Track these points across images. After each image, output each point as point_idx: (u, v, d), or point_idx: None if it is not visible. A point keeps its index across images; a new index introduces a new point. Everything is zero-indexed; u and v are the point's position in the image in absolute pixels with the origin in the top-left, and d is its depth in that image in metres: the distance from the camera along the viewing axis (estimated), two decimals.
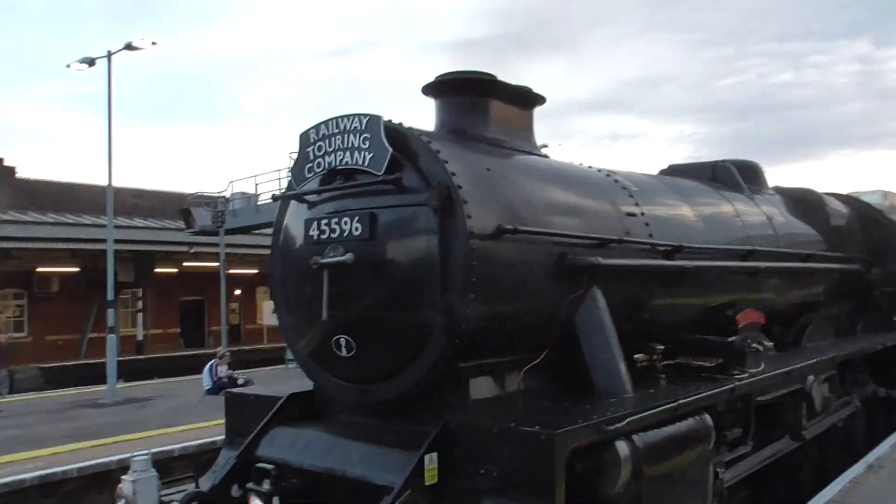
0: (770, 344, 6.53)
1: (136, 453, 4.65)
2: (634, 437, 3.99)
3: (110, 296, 14.60)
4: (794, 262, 7.75)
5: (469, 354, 4.13)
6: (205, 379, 14.95)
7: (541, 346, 4.46)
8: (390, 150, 4.02)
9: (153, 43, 16.41)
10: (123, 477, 4.56)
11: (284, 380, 14.97)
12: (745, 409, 5.64)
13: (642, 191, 5.78)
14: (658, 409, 4.26)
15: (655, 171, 7.72)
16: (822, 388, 7.07)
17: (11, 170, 31.53)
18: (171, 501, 4.58)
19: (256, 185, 24.45)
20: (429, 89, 4.99)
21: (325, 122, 4.30)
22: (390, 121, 4.18)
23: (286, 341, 5.01)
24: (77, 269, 27.83)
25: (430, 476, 3.71)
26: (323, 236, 4.27)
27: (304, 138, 4.41)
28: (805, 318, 8.18)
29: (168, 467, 4.70)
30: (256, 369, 19.80)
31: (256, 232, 27.95)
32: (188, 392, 15.13)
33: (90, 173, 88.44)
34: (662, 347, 5.33)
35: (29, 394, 17.65)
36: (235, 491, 4.42)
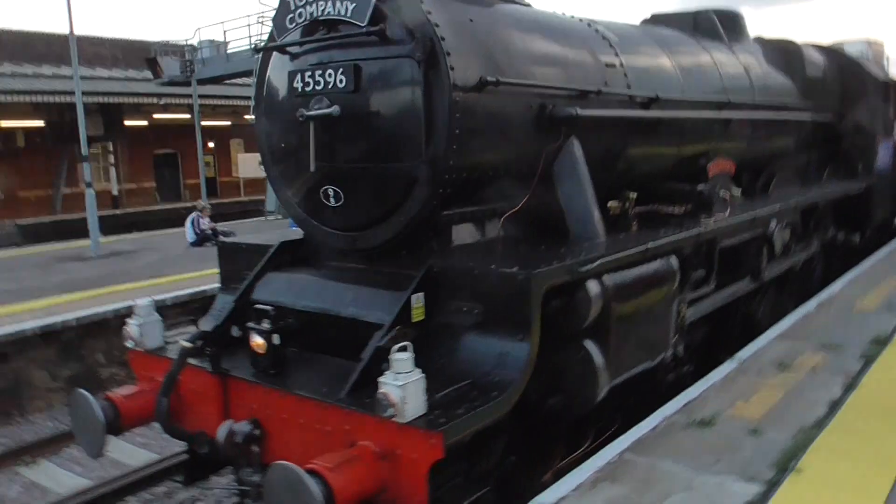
0: (738, 191, 6.84)
1: (138, 299, 4.92)
2: (605, 277, 4.32)
3: (84, 151, 14.40)
4: (766, 113, 7.91)
5: (452, 203, 4.33)
6: (187, 231, 15.16)
7: (521, 194, 4.66)
8: (373, 0, 4.00)
9: None
10: (128, 320, 4.86)
11: (265, 231, 15.30)
12: (709, 253, 6.02)
13: (622, 41, 5.79)
14: (627, 253, 4.58)
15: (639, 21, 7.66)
16: (784, 233, 7.48)
17: None
18: (175, 341, 4.93)
19: (225, 32, 23.52)
20: None
21: None
22: None
23: (274, 190, 5.17)
24: (42, 123, 27.14)
25: (417, 314, 4.03)
26: (307, 88, 4.31)
27: None
28: (773, 167, 8.48)
29: (163, 315, 5.01)
30: (236, 221, 20.02)
31: (228, 82, 27.25)
32: (171, 245, 15.37)
33: (43, 21, 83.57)
34: (635, 195, 5.58)
35: (9, 249, 17.79)
36: (235, 331, 4.73)
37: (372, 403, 3.46)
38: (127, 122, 28.74)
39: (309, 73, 4.30)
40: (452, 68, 3.97)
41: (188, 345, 4.27)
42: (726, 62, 7.44)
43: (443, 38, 3.97)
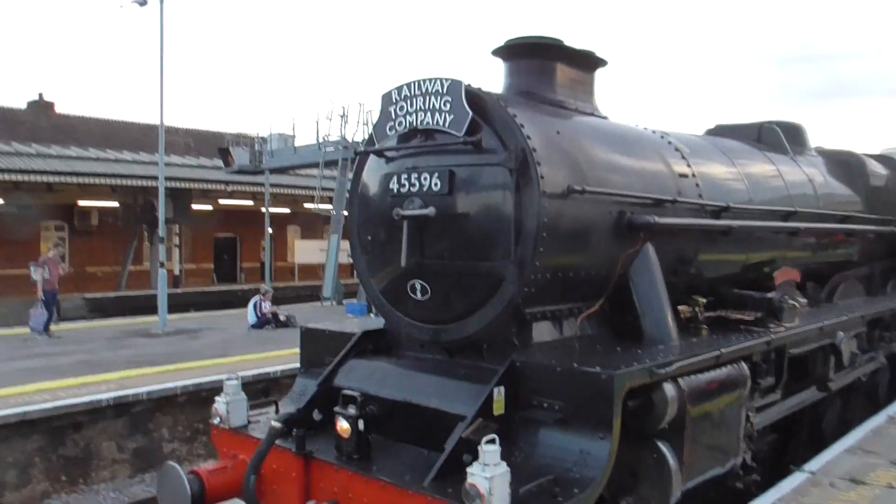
0: (804, 300, 6.89)
1: (228, 377, 5.18)
2: (680, 380, 4.43)
3: (162, 233, 15.19)
4: (831, 224, 8.02)
5: (535, 301, 4.54)
6: (249, 314, 15.63)
7: (597, 295, 4.86)
8: (470, 113, 4.34)
9: None
10: (217, 398, 5.10)
11: (323, 316, 15.64)
12: (778, 360, 6.04)
13: (693, 151, 6.08)
14: (702, 357, 4.68)
15: (702, 131, 7.97)
16: (851, 344, 7.43)
17: (50, 105, 32.15)
18: (257, 420, 5.14)
19: (293, 126, 24.82)
20: (499, 52, 5.30)
21: (408, 84, 4.61)
22: (469, 85, 4.50)
23: (359, 279, 5.45)
24: (116, 204, 28.61)
25: (498, 407, 4.17)
26: (403, 189, 4.65)
27: (386, 98, 4.74)
28: (838, 277, 8.50)
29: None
30: (291, 305, 20.50)
31: (291, 172, 28.48)
32: (232, 326, 15.84)
33: (125, 111, 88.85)
34: (705, 300, 5.71)
35: (75, 322, 18.50)
36: (316, 415, 4.93)
37: (457, 493, 3.58)
38: (194, 206, 30.07)
39: (405, 176, 4.65)
40: (542, 177, 4.26)
41: (278, 425, 4.47)
42: (790, 172, 7.65)
43: (534, 150, 4.28)
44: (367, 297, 5.40)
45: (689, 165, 5.78)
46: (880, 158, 10.69)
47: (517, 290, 4.33)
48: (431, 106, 4.51)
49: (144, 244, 30.69)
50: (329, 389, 4.96)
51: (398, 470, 4.11)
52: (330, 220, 21.59)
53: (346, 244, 17.23)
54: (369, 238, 5.13)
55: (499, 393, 4.17)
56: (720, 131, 7.96)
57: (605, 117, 5.65)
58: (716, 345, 4.97)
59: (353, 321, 5.12)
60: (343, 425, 4.35)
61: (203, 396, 9.42)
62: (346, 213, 14.47)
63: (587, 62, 5.54)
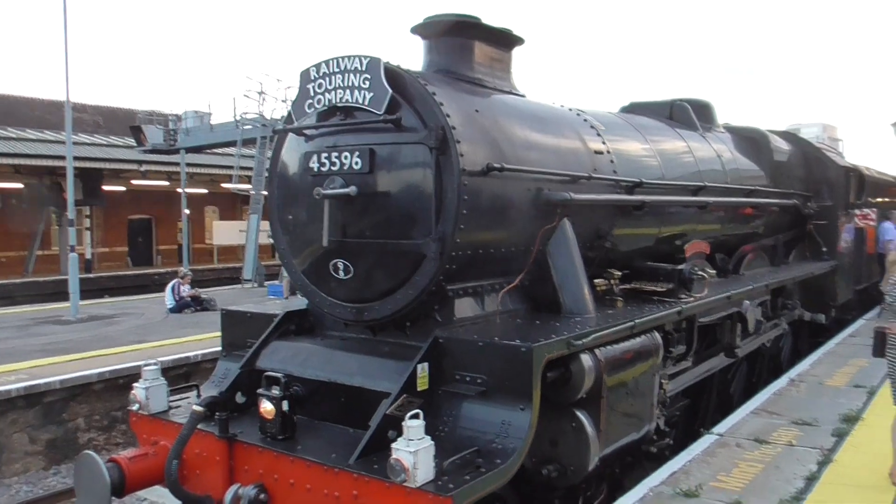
0: (713, 271, 7.23)
1: (146, 362, 5.06)
2: (597, 350, 4.60)
3: (71, 215, 14.50)
4: (738, 198, 8.41)
5: (456, 278, 4.60)
6: (167, 297, 15.19)
7: (517, 270, 4.96)
8: (389, 90, 4.34)
9: None
10: (135, 384, 4.98)
11: (244, 298, 15.34)
12: (689, 329, 6.34)
13: (608, 129, 6.25)
14: (617, 328, 4.87)
15: (617, 108, 8.18)
16: (756, 312, 7.86)
17: None
18: (178, 405, 5.05)
19: (209, 104, 24.06)
20: (418, 29, 5.29)
21: (326, 62, 4.56)
22: (388, 63, 4.49)
23: (281, 259, 5.39)
24: (21, 186, 27.15)
25: (422, 383, 4.24)
26: (323, 168, 4.61)
27: (305, 75, 4.67)
28: (745, 248, 8.95)
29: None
30: (211, 289, 20.05)
31: (208, 151, 27.65)
32: (149, 310, 15.36)
33: (26, 86, 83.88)
34: (620, 273, 5.92)
35: None
36: (239, 398, 4.88)
37: (382, 469, 3.63)
38: (105, 188, 28.83)
39: (325, 155, 4.61)
40: (462, 155, 4.31)
41: (200, 409, 4.40)
42: (700, 149, 7.96)
43: (454, 128, 4.32)
44: (286, 280, 5.34)
45: (604, 143, 5.94)
46: (784, 135, 11.26)
47: (439, 267, 4.38)
48: (351, 83, 4.47)
49: (52, 227, 29.30)
50: (252, 372, 4.92)
51: (324, 449, 4.13)
52: (249, 201, 21.11)
53: (265, 224, 16.94)
54: (290, 218, 5.07)
55: (422, 369, 4.23)
56: (634, 109, 8.20)
57: (522, 95, 5.73)
58: (630, 316, 5.18)
59: (276, 303, 5.07)
60: (267, 407, 4.33)
61: (121, 384, 9.12)
62: (265, 192, 14.23)
63: (505, 40, 5.60)
